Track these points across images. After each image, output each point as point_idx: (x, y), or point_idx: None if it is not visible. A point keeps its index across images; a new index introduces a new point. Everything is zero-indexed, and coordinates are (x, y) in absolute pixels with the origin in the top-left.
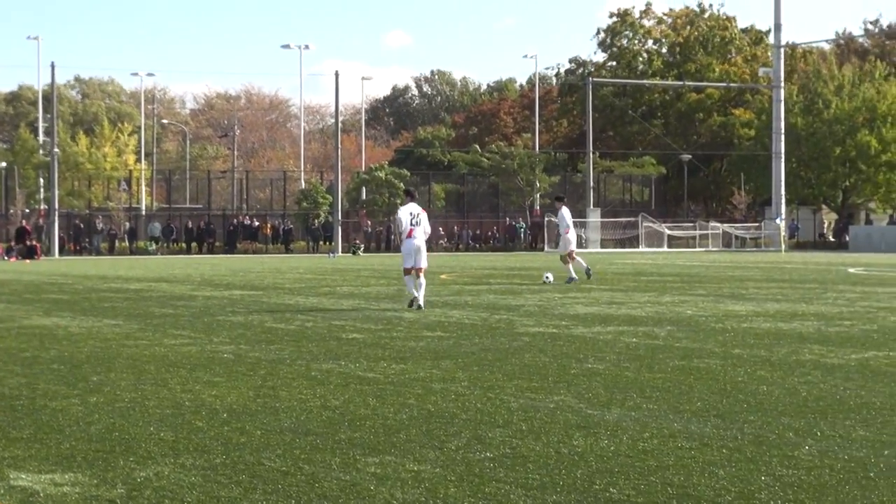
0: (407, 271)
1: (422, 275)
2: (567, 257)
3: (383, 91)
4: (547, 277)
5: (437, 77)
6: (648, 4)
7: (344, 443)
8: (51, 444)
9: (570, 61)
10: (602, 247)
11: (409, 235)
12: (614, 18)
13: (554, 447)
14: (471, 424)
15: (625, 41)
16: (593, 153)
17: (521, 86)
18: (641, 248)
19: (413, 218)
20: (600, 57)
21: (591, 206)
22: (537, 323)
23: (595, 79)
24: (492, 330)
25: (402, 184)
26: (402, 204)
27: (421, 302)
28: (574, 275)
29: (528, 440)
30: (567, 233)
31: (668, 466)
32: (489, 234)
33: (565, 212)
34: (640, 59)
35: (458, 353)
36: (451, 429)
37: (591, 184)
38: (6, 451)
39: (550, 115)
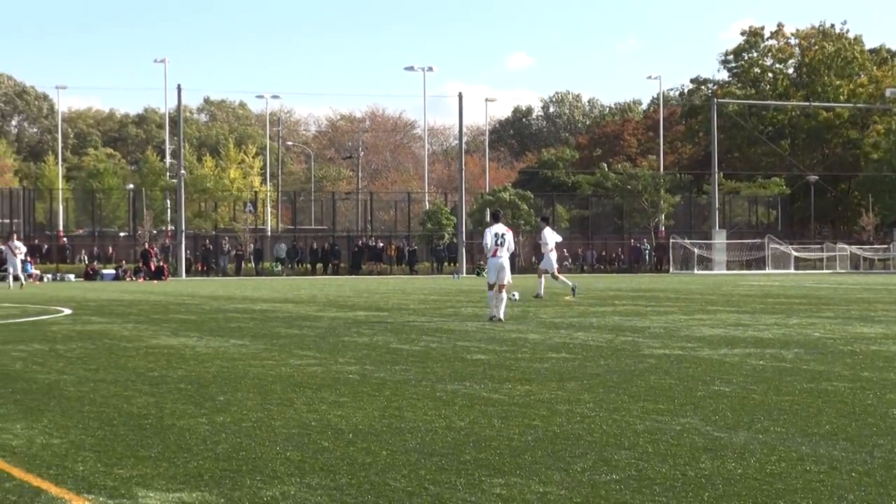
0: (490, 286)
1: (504, 291)
2: (553, 275)
3: (506, 113)
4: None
5: (560, 99)
6: (781, 25)
7: (469, 463)
8: (178, 463)
9: (692, 81)
10: (728, 268)
11: (494, 254)
12: (744, 37)
13: (680, 469)
14: (596, 446)
15: (751, 61)
16: (718, 174)
17: (644, 107)
18: (768, 270)
19: (498, 238)
20: (723, 76)
21: (717, 228)
22: (663, 345)
23: (720, 99)
24: (617, 352)
25: (525, 205)
26: (488, 225)
27: (501, 315)
28: (542, 291)
29: (655, 462)
30: (550, 251)
31: (796, 490)
32: (614, 255)
33: (548, 232)
34: (766, 78)
35: (584, 374)
36: (577, 450)
37: (717, 205)
38: (135, 470)
39: (675, 136)
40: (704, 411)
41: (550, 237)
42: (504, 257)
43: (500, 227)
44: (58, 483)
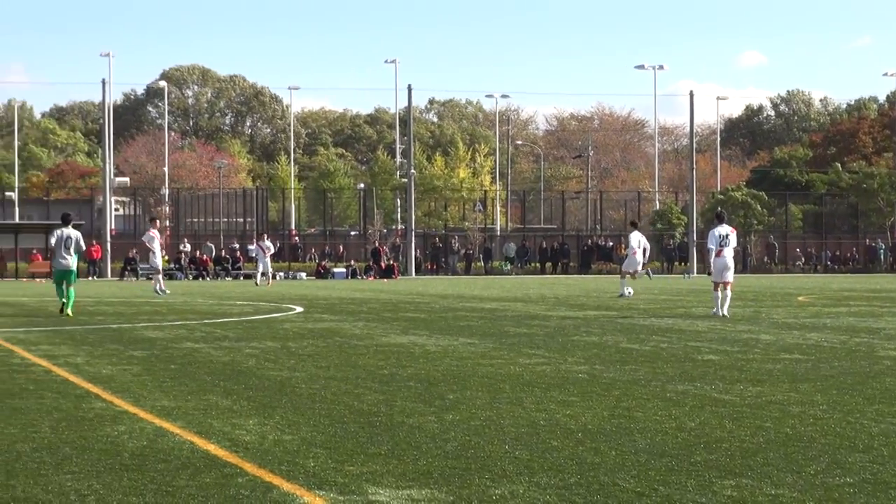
0: (715, 286)
1: (728, 288)
2: (632, 274)
3: (737, 111)
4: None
5: (790, 97)
6: None
7: (699, 465)
8: (407, 461)
9: None
10: None
11: (719, 255)
12: None
13: None
14: (829, 449)
15: None
16: None
17: (880, 104)
18: None
19: (722, 239)
20: None
21: None
22: None
23: None
24: (851, 353)
25: (758, 205)
26: (713, 226)
27: (725, 312)
28: (629, 290)
29: (890, 466)
30: (634, 254)
31: None
32: (848, 255)
33: (635, 235)
34: None
35: (817, 376)
36: (810, 453)
37: None
38: (365, 467)
39: None
40: None
41: (635, 240)
42: (728, 257)
43: (724, 228)
44: (289, 479)
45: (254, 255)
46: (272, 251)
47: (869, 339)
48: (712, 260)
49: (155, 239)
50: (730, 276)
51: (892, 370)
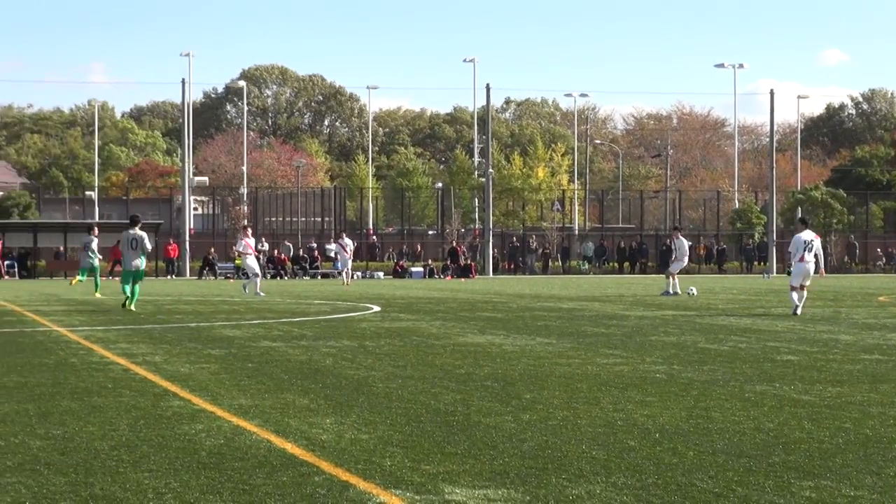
0: (793, 288)
1: (804, 290)
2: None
3: (818, 109)
4: (690, 291)
5: (875, 95)
6: None
7: (778, 466)
8: (484, 460)
9: None
10: None
11: (801, 259)
12: None
13: None
14: None
15: None
16: None
17: None
18: None
19: (806, 244)
20: None
21: None
22: None
23: None
24: None
25: (838, 204)
26: (797, 231)
27: (799, 311)
28: (676, 290)
29: None
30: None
31: None
32: None
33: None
34: None
35: None
36: (890, 454)
37: None
38: (441, 466)
39: None
40: None
41: (685, 245)
42: (810, 262)
43: (808, 234)
44: (366, 478)
45: (334, 253)
46: (352, 247)
47: None
48: (794, 263)
49: (248, 246)
50: (808, 280)
51: None
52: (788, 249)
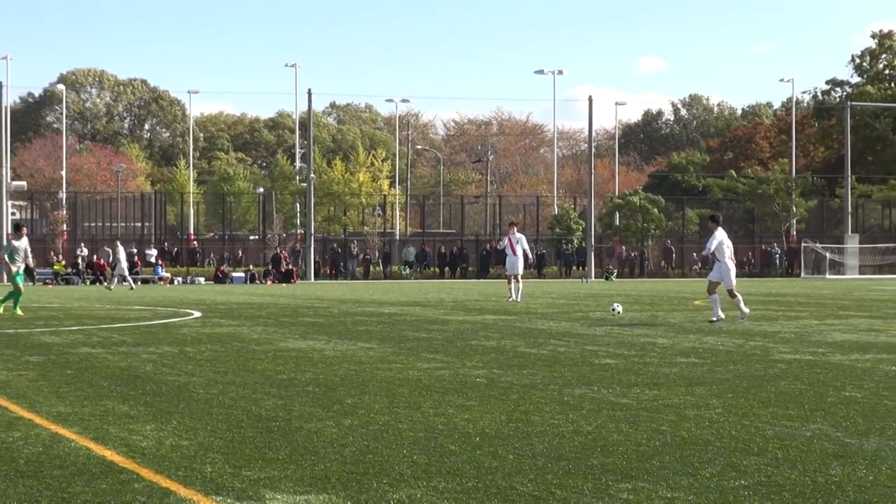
0: (733, 292)
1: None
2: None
3: (636, 116)
4: (615, 308)
5: (690, 102)
6: None
7: (597, 468)
8: (306, 466)
9: (827, 83)
10: (860, 273)
11: (732, 258)
12: (875, 40)
13: (810, 476)
14: (725, 452)
15: (881, 65)
16: (851, 177)
17: (776, 110)
18: None
19: (728, 244)
20: (857, 80)
21: (850, 232)
22: (793, 350)
23: (854, 102)
24: (746, 356)
25: (656, 210)
26: (713, 229)
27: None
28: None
29: (784, 469)
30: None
31: None
32: (744, 259)
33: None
34: None
35: (713, 379)
36: (705, 456)
37: (850, 209)
38: (262, 472)
39: (807, 139)
40: (835, 417)
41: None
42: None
43: (719, 232)
44: (186, 484)
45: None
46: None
47: (764, 343)
48: (726, 262)
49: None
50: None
51: (786, 374)
52: (711, 250)
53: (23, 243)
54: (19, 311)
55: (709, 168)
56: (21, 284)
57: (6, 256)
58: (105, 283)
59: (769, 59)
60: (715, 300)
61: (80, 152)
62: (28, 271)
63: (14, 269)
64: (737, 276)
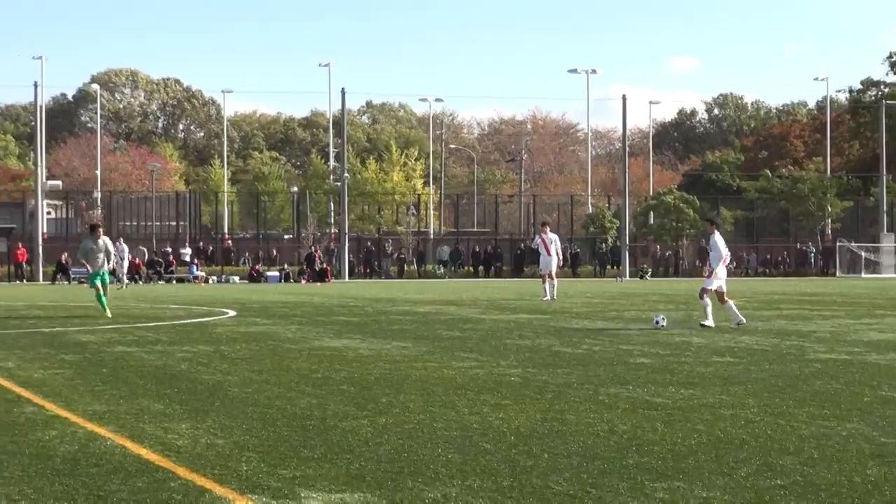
0: (726, 298)
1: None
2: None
3: (671, 115)
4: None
5: (723, 101)
6: None
7: (632, 468)
8: (341, 465)
9: (862, 83)
10: None
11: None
12: None
13: (847, 476)
14: (761, 451)
15: None
16: (887, 176)
17: (810, 109)
18: None
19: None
20: (892, 78)
21: (885, 231)
22: (829, 349)
23: (889, 101)
24: (782, 356)
25: (689, 209)
26: (710, 232)
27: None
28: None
29: (820, 468)
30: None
31: None
32: (779, 258)
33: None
34: None
35: (748, 378)
36: (741, 455)
37: (885, 208)
38: (297, 471)
39: (842, 138)
40: (872, 417)
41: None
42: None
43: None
44: (222, 483)
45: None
46: (127, 252)
47: (799, 343)
48: (722, 268)
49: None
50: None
51: (822, 373)
52: (711, 253)
53: (100, 244)
54: (108, 313)
55: (743, 167)
56: (99, 285)
57: (83, 257)
58: (116, 283)
59: (802, 58)
60: (730, 306)
61: (115, 152)
62: (113, 272)
63: (94, 269)
64: (772, 275)
